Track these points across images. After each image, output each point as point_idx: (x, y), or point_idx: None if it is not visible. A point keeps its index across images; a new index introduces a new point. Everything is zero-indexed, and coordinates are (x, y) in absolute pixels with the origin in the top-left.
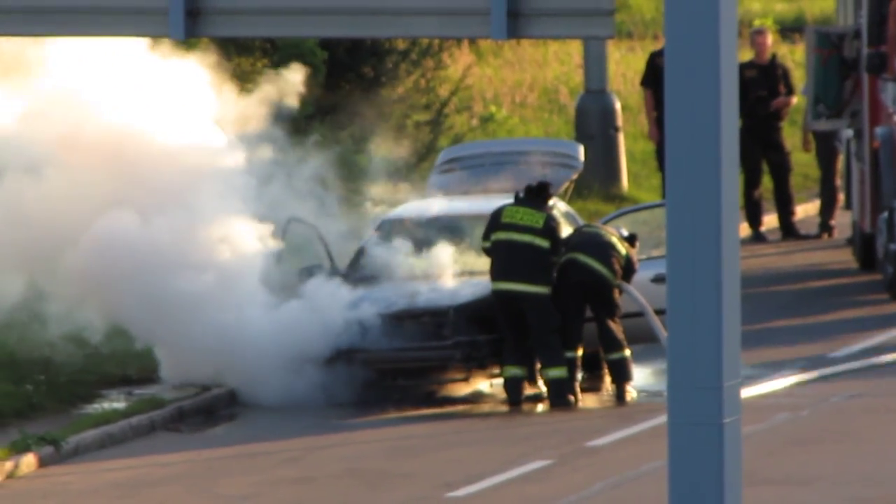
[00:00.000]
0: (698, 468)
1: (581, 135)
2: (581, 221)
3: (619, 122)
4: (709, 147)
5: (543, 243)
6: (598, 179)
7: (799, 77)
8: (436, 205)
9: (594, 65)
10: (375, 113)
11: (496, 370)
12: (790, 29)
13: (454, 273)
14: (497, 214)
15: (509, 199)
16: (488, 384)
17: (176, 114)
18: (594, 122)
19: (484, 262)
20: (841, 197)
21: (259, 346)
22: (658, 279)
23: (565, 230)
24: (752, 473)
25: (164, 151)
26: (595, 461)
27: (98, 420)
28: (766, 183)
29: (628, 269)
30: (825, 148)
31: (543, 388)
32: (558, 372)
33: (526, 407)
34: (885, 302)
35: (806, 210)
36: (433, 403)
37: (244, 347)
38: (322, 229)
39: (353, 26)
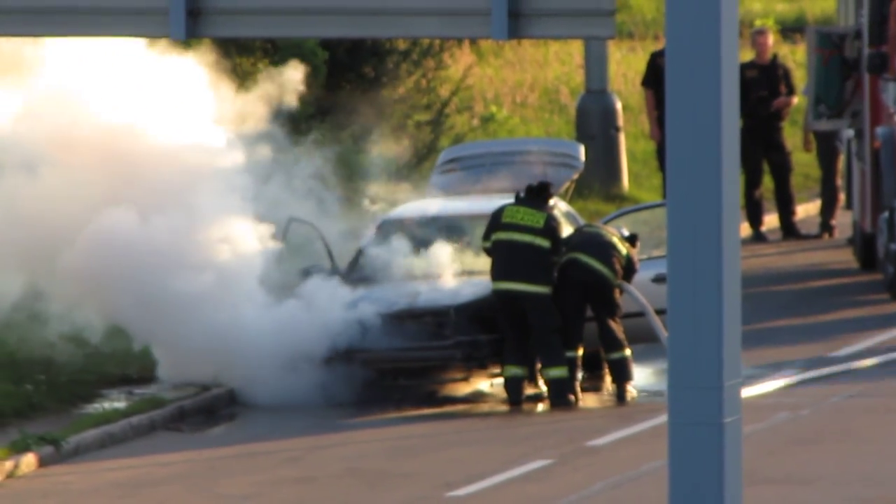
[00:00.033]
0: (699, 468)
1: (582, 135)
2: (582, 221)
3: (620, 122)
4: (710, 147)
5: (544, 243)
6: (599, 179)
7: (800, 77)
8: (436, 205)
9: (595, 65)
10: (376, 113)
11: (497, 370)
12: (791, 29)
13: (454, 273)
14: (498, 214)
15: (510, 199)
16: (489, 384)
17: (175, 113)
18: (595, 123)
19: (484, 262)
20: (842, 197)
21: (259, 345)
22: (659, 279)
23: (566, 230)
24: (753, 473)
25: (162, 150)
26: (595, 461)
27: (98, 420)
28: (767, 183)
29: (629, 269)
30: (826, 148)
31: (544, 388)
32: (559, 372)
33: (526, 407)
34: (885, 302)
35: (807, 210)
36: (433, 403)
37: (244, 347)
38: (322, 229)
39: (353, 26)
